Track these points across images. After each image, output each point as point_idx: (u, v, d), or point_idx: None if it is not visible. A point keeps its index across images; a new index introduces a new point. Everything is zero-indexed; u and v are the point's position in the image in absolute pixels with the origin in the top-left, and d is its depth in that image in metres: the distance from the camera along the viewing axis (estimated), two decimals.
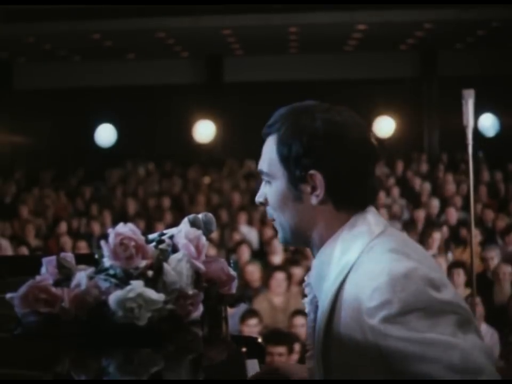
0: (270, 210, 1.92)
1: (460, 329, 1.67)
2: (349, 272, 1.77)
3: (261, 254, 8.82)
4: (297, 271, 7.39)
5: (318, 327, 1.81)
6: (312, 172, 1.81)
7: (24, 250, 8.46)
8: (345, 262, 1.78)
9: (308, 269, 7.93)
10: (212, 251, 7.74)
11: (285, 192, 1.85)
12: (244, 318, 5.97)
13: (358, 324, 1.71)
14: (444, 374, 1.64)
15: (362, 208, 1.85)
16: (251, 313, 6.07)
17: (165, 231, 1.83)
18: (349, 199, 1.84)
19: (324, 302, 1.80)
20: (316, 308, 1.86)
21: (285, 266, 7.49)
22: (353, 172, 1.82)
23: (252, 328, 5.88)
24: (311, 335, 1.87)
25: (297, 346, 5.41)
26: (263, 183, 1.92)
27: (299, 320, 6.18)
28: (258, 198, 1.93)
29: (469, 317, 1.72)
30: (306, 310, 1.92)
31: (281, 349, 5.25)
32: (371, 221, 1.83)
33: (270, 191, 1.89)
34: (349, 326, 1.73)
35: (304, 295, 1.94)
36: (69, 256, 1.72)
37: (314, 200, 1.83)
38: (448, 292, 1.71)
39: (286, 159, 1.84)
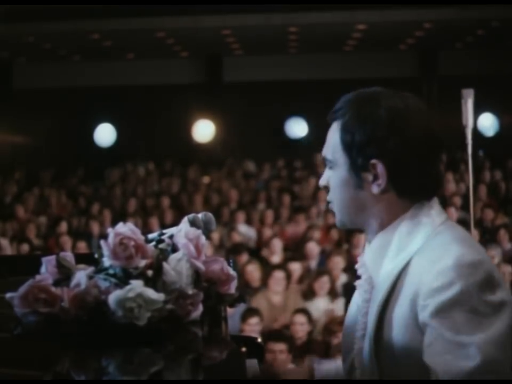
0: (330, 194, 1.91)
1: (503, 340, 1.66)
2: (412, 256, 1.78)
3: (259, 253, 8.81)
4: (296, 270, 7.39)
5: (374, 306, 1.82)
6: (374, 161, 1.80)
7: (25, 248, 8.47)
8: (409, 247, 1.79)
9: (306, 268, 7.86)
10: (211, 251, 7.73)
11: (347, 179, 1.84)
12: (244, 317, 5.93)
13: (412, 305, 1.73)
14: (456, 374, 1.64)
15: (425, 197, 1.84)
16: (252, 312, 6.03)
17: (164, 231, 1.83)
18: (411, 188, 1.82)
19: (383, 284, 1.80)
20: (371, 288, 1.86)
21: (283, 265, 7.48)
22: (416, 161, 1.80)
23: (253, 327, 5.84)
24: (365, 315, 1.86)
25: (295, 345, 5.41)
26: (327, 167, 1.91)
27: (299, 318, 6.18)
28: (322, 182, 1.92)
29: None
30: (359, 290, 1.91)
31: (282, 346, 5.25)
32: (433, 212, 1.83)
33: (332, 177, 1.88)
34: (404, 307, 1.74)
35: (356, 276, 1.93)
36: (68, 256, 1.72)
37: (375, 189, 1.82)
38: (502, 292, 1.71)
39: (348, 146, 1.82)
